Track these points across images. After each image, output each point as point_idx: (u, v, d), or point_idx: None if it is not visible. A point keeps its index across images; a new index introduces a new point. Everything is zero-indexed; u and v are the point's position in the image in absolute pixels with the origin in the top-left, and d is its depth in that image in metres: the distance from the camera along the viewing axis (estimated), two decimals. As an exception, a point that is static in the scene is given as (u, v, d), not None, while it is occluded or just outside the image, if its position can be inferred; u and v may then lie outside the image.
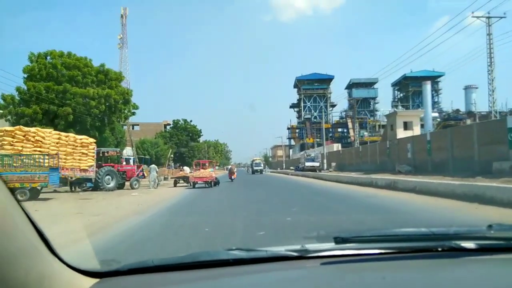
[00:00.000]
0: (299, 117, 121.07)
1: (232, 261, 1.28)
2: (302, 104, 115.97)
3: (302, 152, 65.56)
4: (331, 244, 1.31)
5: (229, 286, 1.15)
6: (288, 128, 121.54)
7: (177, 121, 70.69)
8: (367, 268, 1.25)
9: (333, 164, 50.12)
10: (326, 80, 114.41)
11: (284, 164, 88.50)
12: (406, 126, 36.97)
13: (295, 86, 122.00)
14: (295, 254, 1.32)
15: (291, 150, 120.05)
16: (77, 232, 7.46)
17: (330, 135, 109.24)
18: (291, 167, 73.98)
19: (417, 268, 1.27)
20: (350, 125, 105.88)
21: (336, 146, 73.37)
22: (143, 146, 55.36)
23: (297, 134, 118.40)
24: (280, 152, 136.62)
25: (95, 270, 1.21)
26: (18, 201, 0.82)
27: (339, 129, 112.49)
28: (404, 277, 1.19)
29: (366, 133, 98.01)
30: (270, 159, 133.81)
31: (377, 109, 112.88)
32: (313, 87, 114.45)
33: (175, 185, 26.94)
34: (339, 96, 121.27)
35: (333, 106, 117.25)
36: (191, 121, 71.57)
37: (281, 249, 1.36)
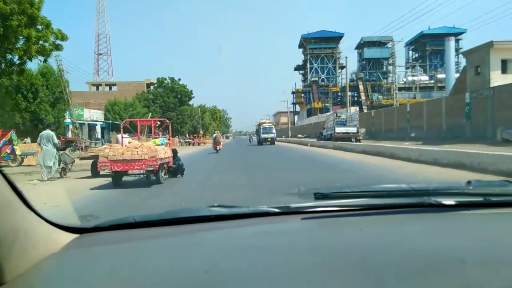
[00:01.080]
0: (304, 80, 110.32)
1: (213, 217, 1.30)
2: (308, 66, 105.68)
3: (328, 113, 48.60)
4: (312, 200, 1.32)
5: (208, 239, 1.15)
6: (293, 92, 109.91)
7: (162, 80, 57.19)
8: (346, 222, 1.29)
9: (362, 130, 37.30)
10: (335, 39, 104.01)
11: (289, 132, 76.53)
12: (506, 66, 23.33)
13: (301, 45, 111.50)
14: (276, 210, 1.34)
15: (296, 117, 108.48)
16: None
17: (339, 99, 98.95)
18: (299, 135, 61.95)
19: (396, 222, 1.29)
20: (361, 88, 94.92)
21: (355, 109, 61.01)
22: (113, 109, 43.02)
23: (302, 99, 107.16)
24: (284, 119, 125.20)
25: (74, 225, 1.20)
26: None
27: (349, 93, 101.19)
28: (381, 230, 1.21)
29: (380, 97, 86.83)
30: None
31: (390, 71, 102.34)
32: (320, 46, 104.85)
33: (93, 174, 11.86)
34: (348, 56, 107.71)
35: (342, 67, 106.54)
36: (179, 79, 58.77)
37: (263, 206, 1.38)
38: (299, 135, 61.57)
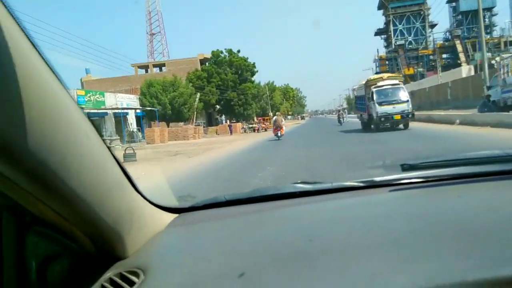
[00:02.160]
0: (388, 45, 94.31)
1: (298, 194, 1.30)
2: (391, 28, 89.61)
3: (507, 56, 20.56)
4: (398, 172, 1.28)
5: (303, 211, 1.17)
6: (376, 60, 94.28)
7: (218, 53, 44.47)
8: (439, 191, 1.21)
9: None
10: None
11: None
12: None
13: (380, 6, 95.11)
14: (361, 184, 1.30)
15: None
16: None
17: (432, 63, 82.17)
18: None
19: (493, 189, 1.18)
20: (459, 47, 77.27)
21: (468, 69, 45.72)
22: (149, 92, 33.38)
23: (387, 67, 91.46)
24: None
25: (173, 206, 1.28)
26: (104, 141, 0.85)
27: (443, 55, 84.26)
28: (480, 197, 1.13)
29: (489, 54, 69.03)
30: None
31: (495, 24, 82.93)
32: (404, 4, 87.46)
33: None
34: (439, 13, 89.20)
35: (432, 26, 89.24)
36: (238, 51, 45.49)
37: (347, 181, 1.34)
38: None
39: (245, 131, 38.69)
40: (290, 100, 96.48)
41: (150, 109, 32.15)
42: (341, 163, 8.92)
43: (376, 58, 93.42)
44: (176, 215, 1.25)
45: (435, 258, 0.70)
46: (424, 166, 1.27)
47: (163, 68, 46.03)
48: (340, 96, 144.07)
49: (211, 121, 47.15)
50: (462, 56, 77.15)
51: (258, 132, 36.67)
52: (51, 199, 0.70)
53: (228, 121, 42.25)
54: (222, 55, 44.36)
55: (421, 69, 76.84)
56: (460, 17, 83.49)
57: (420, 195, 1.21)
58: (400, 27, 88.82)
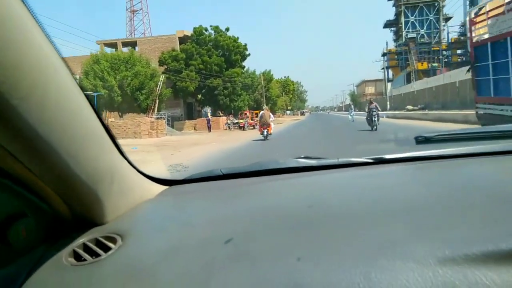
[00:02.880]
0: (397, 38, 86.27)
1: (302, 168, 1.20)
2: (402, 20, 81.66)
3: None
4: (412, 147, 1.20)
5: (304, 182, 1.09)
6: (384, 54, 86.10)
7: (201, 30, 34.99)
8: (457, 165, 1.11)
9: None
10: None
11: (388, 103, 54.31)
12: None
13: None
14: (369, 160, 1.18)
15: (389, 84, 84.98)
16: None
17: (446, 60, 74.56)
18: (409, 107, 40.14)
19: None
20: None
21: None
22: (94, 71, 24.76)
23: (396, 61, 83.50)
24: (370, 89, 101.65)
25: (164, 177, 1.20)
26: (85, 96, 0.76)
27: (458, 51, 76.74)
28: (503, 170, 1.01)
29: None
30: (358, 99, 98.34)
31: None
32: (418, -6, 79.37)
33: None
34: (454, 5, 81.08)
35: (447, 19, 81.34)
36: (227, 30, 36.32)
37: (354, 157, 1.22)
38: (409, 107, 39.63)
39: (229, 128, 30.42)
40: (290, 94, 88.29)
41: (87, 94, 22.68)
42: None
43: (385, 51, 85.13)
44: (167, 187, 1.16)
45: (461, 225, 0.62)
46: (440, 139, 1.19)
47: (136, 47, 37.36)
48: (343, 92, 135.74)
49: (191, 114, 38.81)
50: (479, 52, 68.67)
51: (244, 130, 28.38)
52: (13, 143, 0.59)
53: (209, 114, 33.78)
54: (207, 33, 35.60)
55: (436, 64, 68.67)
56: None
57: (437, 167, 1.10)
58: (412, 19, 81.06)
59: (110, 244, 0.73)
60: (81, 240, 0.75)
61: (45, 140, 0.60)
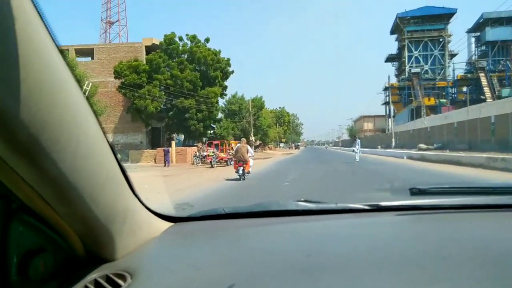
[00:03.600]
0: (400, 73, 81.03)
1: (301, 212, 1.22)
2: (405, 54, 76.64)
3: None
4: (406, 197, 1.24)
5: (304, 228, 1.11)
6: (386, 88, 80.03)
7: (173, 37, 28.18)
8: (448, 218, 1.14)
9: None
10: (443, 17, 74.91)
11: (393, 140, 46.92)
12: None
13: (394, 30, 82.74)
14: (366, 207, 1.20)
15: (390, 120, 78.34)
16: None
17: (451, 97, 68.80)
18: (422, 145, 32.77)
19: (504, 221, 1.11)
20: (483, 81, 64.17)
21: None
22: None
23: (399, 97, 77.48)
24: (369, 125, 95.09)
25: (170, 214, 1.23)
26: (107, 140, 0.79)
27: (464, 89, 71.36)
28: (492, 225, 1.06)
29: None
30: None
31: None
32: (422, 28, 74.37)
33: None
34: (459, 42, 76.17)
35: (452, 55, 76.17)
36: (207, 41, 29.35)
37: (352, 203, 1.25)
38: (423, 146, 32.08)
39: (194, 163, 22.31)
40: (284, 126, 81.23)
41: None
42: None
43: (387, 85, 79.05)
44: (172, 223, 1.18)
45: (446, 281, 0.65)
46: (434, 191, 1.22)
47: (93, 57, 29.83)
48: (340, 127, 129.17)
49: (158, 141, 30.67)
50: (487, 91, 63.11)
51: (212, 166, 20.39)
52: (40, 183, 0.63)
53: (173, 144, 25.68)
54: (181, 43, 28.24)
55: (444, 100, 62.27)
56: (484, 47, 70.61)
57: (429, 220, 1.13)
58: (415, 53, 75.83)
59: (120, 282, 0.74)
60: (93, 276, 0.76)
61: (73, 186, 0.64)
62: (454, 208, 1.17)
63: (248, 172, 12.68)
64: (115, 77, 25.57)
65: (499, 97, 55.69)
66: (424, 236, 0.94)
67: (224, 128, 34.56)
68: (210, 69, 28.33)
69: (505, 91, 57.52)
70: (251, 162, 12.79)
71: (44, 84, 0.55)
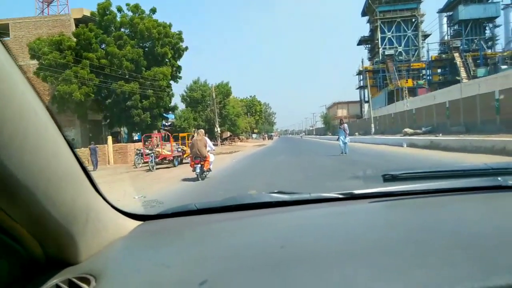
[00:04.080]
0: (373, 56, 77.35)
1: (275, 203, 1.21)
2: (378, 35, 73.22)
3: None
4: (379, 184, 1.22)
5: (277, 220, 1.10)
6: (360, 72, 76.45)
7: (107, 5, 21.86)
8: (421, 203, 1.15)
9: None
10: None
11: (372, 126, 42.87)
12: None
13: (365, 12, 78.87)
14: (340, 196, 1.22)
15: (367, 105, 74.75)
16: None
17: (426, 78, 66.27)
18: (408, 130, 28.65)
19: (476, 203, 1.14)
20: (458, 61, 61.71)
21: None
22: None
23: (374, 80, 73.98)
24: (343, 111, 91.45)
25: (139, 213, 1.18)
26: (63, 133, 0.73)
27: (439, 70, 68.80)
28: (465, 208, 1.08)
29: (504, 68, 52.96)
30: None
31: (497, 36, 68.89)
32: (395, 8, 70.59)
33: None
34: (431, 22, 73.07)
35: (425, 36, 73.36)
36: (153, 11, 23.56)
37: (326, 193, 1.26)
38: (409, 130, 27.90)
39: (137, 163, 16.78)
40: (256, 115, 76.30)
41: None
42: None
43: (361, 69, 75.34)
44: (141, 222, 1.13)
45: (421, 267, 0.64)
46: (406, 177, 1.21)
47: (10, 34, 23.64)
48: (313, 115, 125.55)
49: (98, 137, 24.25)
50: (463, 71, 60.39)
51: (150, 170, 14.68)
52: None
53: (112, 135, 20.09)
54: (119, 14, 22.40)
55: (422, 82, 59.08)
56: (457, 27, 68.05)
57: (402, 206, 1.14)
58: (388, 34, 72.37)
59: (84, 285, 0.70)
60: (54, 281, 0.71)
61: (23, 184, 0.59)
62: (427, 193, 1.17)
63: (209, 170, 10.37)
64: (31, 57, 19.68)
65: (475, 77, 53.02)
66: (397, 223, 0.95)
67: (184, 119, 29.30)
68: (157, 45, 22.62)
69: (481, 71, 54.84)
70: (211, 157, 10.42)
71: None
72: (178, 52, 24.53)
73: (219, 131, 33.37)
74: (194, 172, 9.99)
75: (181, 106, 37.20)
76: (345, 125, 15.71)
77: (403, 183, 1.20)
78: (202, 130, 11.29)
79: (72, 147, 0.74)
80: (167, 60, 23.09)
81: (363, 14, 79.23)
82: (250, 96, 76.77)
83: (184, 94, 36.68)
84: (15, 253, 0.70)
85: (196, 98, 34.97)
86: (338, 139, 15.73)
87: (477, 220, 0.90)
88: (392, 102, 60.53)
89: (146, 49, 22.40)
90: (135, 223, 1.09)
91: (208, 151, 10.21)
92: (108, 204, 0.95)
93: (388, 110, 49.52)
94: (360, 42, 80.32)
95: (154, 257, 0.82)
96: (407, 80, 58.69)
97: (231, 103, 44.33)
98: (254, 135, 80.00)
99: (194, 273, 0.70)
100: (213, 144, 12.65)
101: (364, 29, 77.26)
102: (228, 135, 55.46)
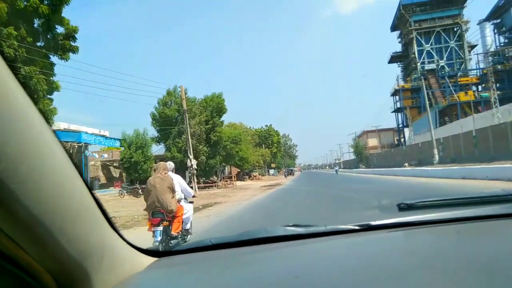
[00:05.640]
0: (408, 74, 64.71)
1: (290, 237, 1.18)
2: (415, 49, 60.83)
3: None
4: (395, 213, 1.23)
5: (292, 252, 1.08)
6: (394, 93, 63.75)
7: None
8: (437, 231, 1.14)
9: None
10: (456, 1, 57.81)
11: (436, 153, 29.51)
12: None
13: (396, 24, 66.96)
14: (356, 227, 1.18)
15: (407, 131, 61.00)
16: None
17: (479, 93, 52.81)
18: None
19: (493, 230, 1.10)
20: None
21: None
22: None
23: (412, 100, 61.09)
24: (373, 141, 77.98)
25: (153, 249, 1.19)
26: (81, 174, 0.75)
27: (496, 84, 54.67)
28: (481, 235, 1.06)
29: None
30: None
31: None
32: (432, 16, 59.03)
33: None
34: (475, 31, 59.65)
35: (471, 47, 60.50)
36: None
37: (341, 225, 1.21)
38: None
39: None
40: (273, 147, 63.65)
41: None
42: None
43: (396, 87, 62.37)
44: (157, 258, 1.12)
45: None
46: (422, 205, 1.21)
47: None
48: (340, 146, 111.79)
49: None
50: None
51: None
52: (8, 223, 0.57)
53: None
54: None
55: (486, 94, 45.64)
56: (508, 34, 55.16)
57: (419, 234, 1.12)
58: (427, 47, 59.80)
59: None
60: None
61: (40, 221, 0.59)
62: (443, 222, 1.14)
63: (184, 234, 5.43)
64: None
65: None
66: (414, 251, 0.93)
67: (138, 147, 17.14)
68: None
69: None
70: (187, 210, 5.47)
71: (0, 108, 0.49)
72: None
73: (193, 165, 20.75)
74: (153, 240, 5.00)
75: (152, 130, 25.56)
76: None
77: (418, 212, 1.18)
78: (169, 163, 5.63)
79: (88, 184, 0.74)
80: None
81: (393, 27, 67.54)
82: (266, 126, 64.59)
83: (155, 111, 24.95)
84: (29, 287, 0.67)
85: (170, 117, 23.17)
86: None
87: (495, 247, 0.88)
88: (444, 122, 47.07)
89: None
90: (151, 259, 1.08)
91: (179, 200, 5.30)
92: (124, 240, 0.93)
93: (444, 133, 36.05)
94: (391, 60, 68.20)
95: None
96: (466, 93, 45.01)
97: (241, 135, 31.72)
98: (271, 171, 66.85)
99: None
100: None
101: (394, 45, 65.00)
102: (238, 172, 42.96)
